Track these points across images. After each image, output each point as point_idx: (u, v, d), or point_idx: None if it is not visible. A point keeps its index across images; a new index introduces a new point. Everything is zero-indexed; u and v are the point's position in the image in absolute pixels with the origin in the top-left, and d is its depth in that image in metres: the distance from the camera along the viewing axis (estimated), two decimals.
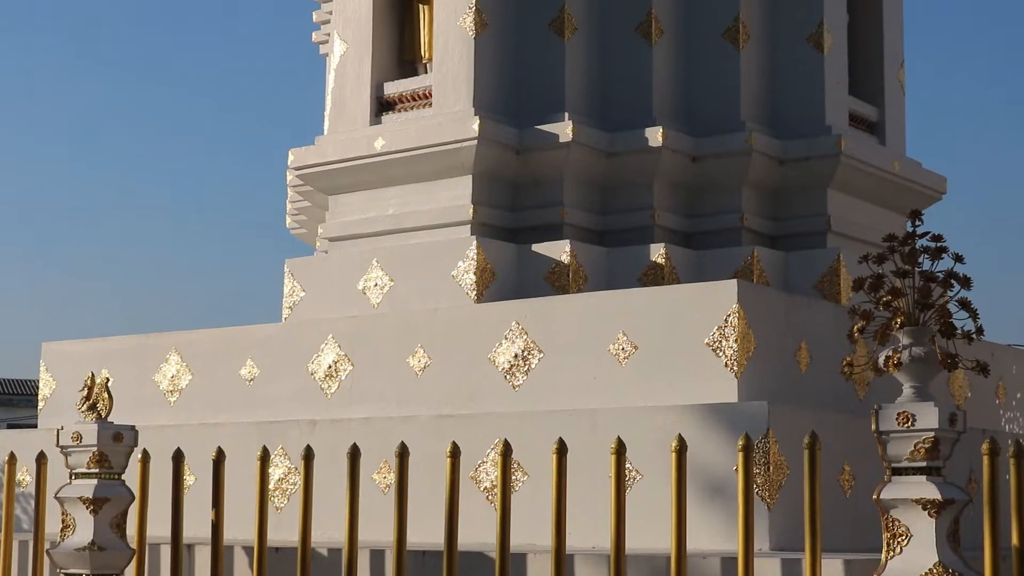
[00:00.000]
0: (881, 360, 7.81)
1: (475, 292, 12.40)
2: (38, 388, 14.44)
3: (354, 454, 8.82)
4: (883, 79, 14.56)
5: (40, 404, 14.29)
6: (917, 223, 8.12)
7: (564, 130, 12.90)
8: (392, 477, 10.82)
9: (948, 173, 14.74)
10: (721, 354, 10.52)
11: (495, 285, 12.53)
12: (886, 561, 7.49)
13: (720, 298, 10.65)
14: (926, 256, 8.00)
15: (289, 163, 14.17)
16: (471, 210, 12.86)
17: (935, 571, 7.30)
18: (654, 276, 12.65)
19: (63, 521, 9.65)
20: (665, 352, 10.82)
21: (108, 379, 10.08)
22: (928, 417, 7.43)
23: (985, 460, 7.33)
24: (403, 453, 8.65)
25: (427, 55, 13.81)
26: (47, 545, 9.92)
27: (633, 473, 9.91)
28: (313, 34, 17.63)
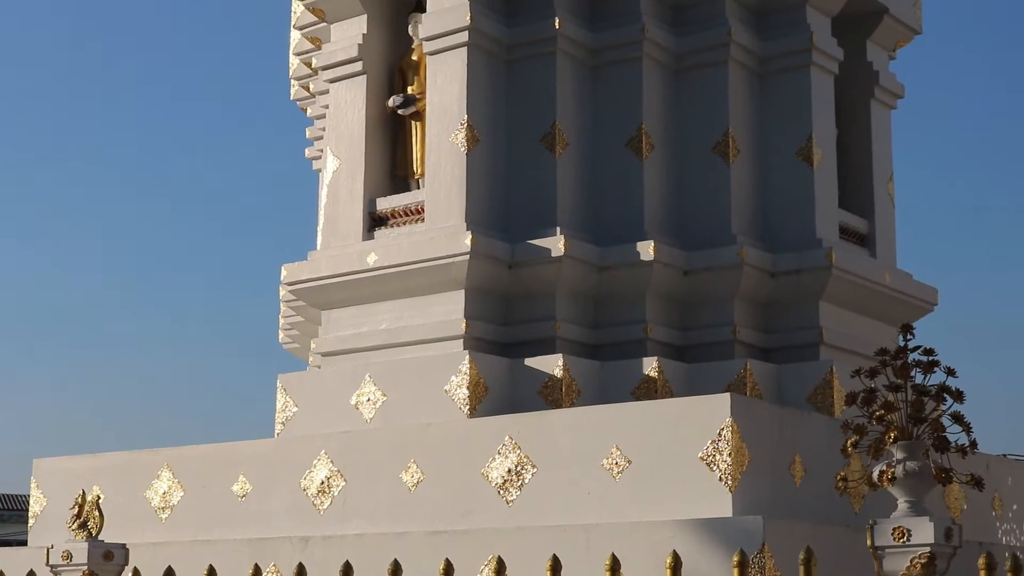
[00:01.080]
0: (875, 475, 7.80)
1: (468, 407, 12.38)
2: (29, 504, 14.36)
3: (347, 571, 8.75)
4: (872, 192, 14.68)
5: (31, 521, 14.20)
6: (909, 337, 8.15)
7: (556, 244, 12.96)
8: None
9: (939, 283, 14.82)
10: (715, 468, 10.49)
11: (488, 399, 12.52)
12: None
13: (713, 412, 10.63)
14: (918, 370, 8.02)
15: (282, 278, 14.21)
16: (464, 324, 12.87)
17: None
18: (647, 390, 12.64)
19: None
20: (659, 466, 10.79)
21: (99, 497, 10.04)
22: (924, 532, 7.41)
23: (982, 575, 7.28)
24: (396, 571, 8.59)
25: (419, 171, 13.91)
26: None
27: None
28: (306, 150, 17.77)
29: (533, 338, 13.10)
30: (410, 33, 14.16)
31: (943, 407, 7.92)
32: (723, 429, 10.51)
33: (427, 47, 13.70)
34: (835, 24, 14.40)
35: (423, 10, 13.92)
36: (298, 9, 15.03)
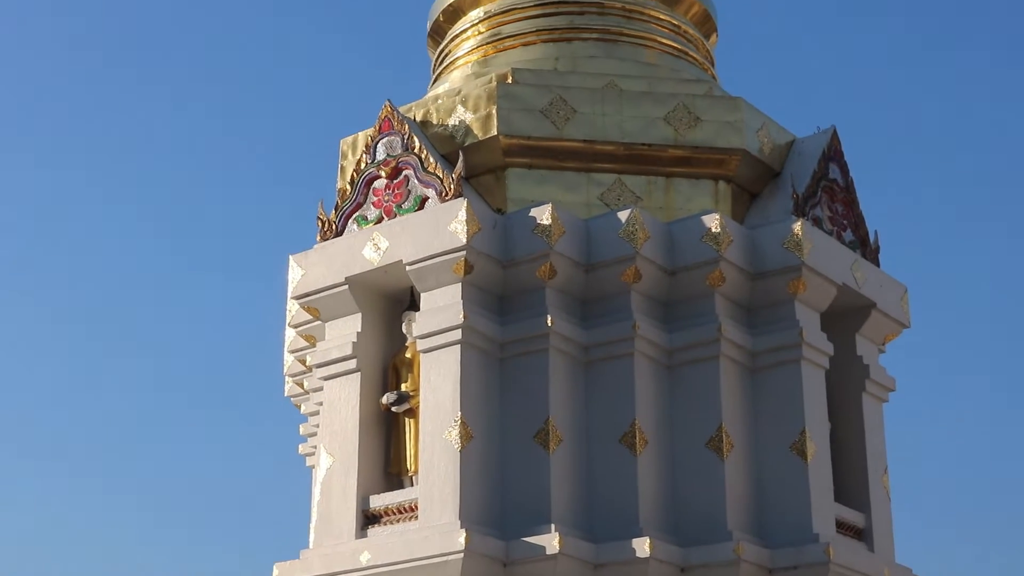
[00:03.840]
0: None
1: None
2: None
3: None
4: (868, 485, 14.62)
5: None
6: None
7: (551, 542, 12.85)
8: None
9: None
10: None
11: None
12: None
13: None
14: None
15: None
16: None
17: None
18: None
19: None
20: None
21: None
22: None
23: None
24: None
25: (413, 467, 13.87)
26: None
27: None
28: (299, 446, 17.71)
29: None
30: (404, 331, 14.30)
31: None
32: None
33: (421, 345, 13.82)
34: (824, 318, 14.55)
35: (416, 308, 14.09)
36: (293, 308, 15.20)
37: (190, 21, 38.83)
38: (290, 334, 15.76)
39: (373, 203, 14.71)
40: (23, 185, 38.40)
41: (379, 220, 14.53)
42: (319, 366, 14.40)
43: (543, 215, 13.93)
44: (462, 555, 12.70)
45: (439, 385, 13.59)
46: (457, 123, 14.93)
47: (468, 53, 16.32)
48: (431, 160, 14.43)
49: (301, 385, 16.01)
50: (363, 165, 14.86)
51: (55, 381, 36.12)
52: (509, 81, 15.05)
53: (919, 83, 37.87)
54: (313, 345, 14.96)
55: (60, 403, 36.21)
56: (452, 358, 13.59)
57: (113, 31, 38.81)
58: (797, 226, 14.19)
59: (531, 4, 16.24)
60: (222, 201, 38.45)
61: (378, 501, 13.81)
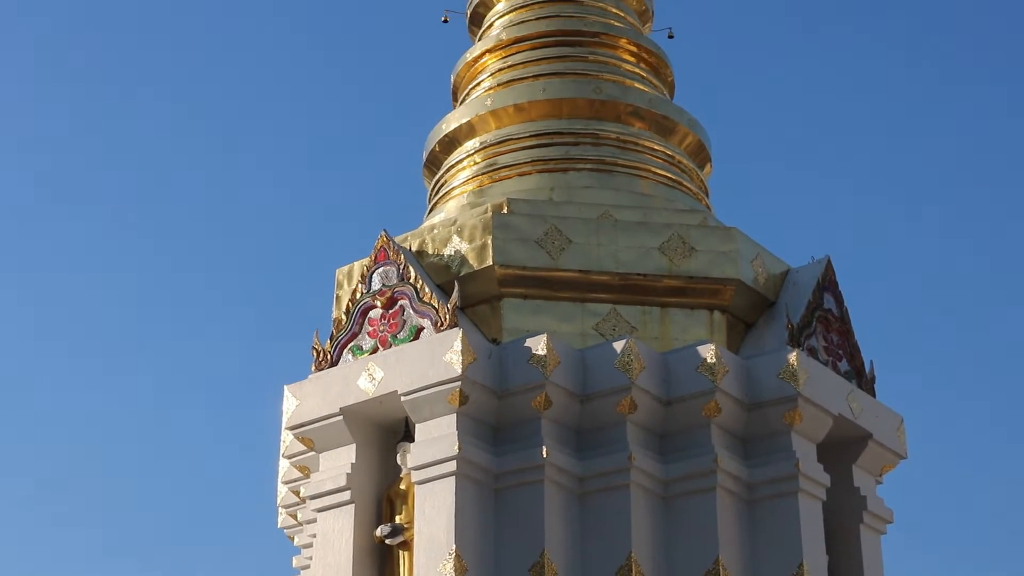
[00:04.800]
0: None
1: None
2: None
3: None
4: None
5: None
6: None
7: None
8: None
9: None
10: None
11: None
12: None
13: None
14: None
15: None
16: None
17: None
18: None
19: None
20: None
21: None
22: None
23: None
24: None
25: None
26: None
27: None
28: None
29: None
30: (398, 462, 14.23)
31: None
32: None
33: (415, 476, 13.74)
34: (821, 449, 14.48)
35: (411, 439, 14.03)
36: (287, 438, 15.13)
37: (185, 156, 39.01)
38: (284, 465, 15.67)
39: (368, 333, 14.70)
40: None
41: (374, 350, 14.53)
42: (313, 497, 14.30)
43: (538, 345, 13.93)
44: None
45: (433, 517, 13.49)
46: (453, 253, 14.98)
47: (464, 183, 16.42)
48: (426, 290, 14.46)
49: (295, 517, 15.88)
50: (358, 295, 14.88)
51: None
52: (504, 211, 15.12)
53: (913, 212, 38.09)
54: (307, 476, 14.87)
55: None
56: (447, 490, 13.51)
57: (79, 175, 38.70)
58: (792, 356, 14.18)
59: (527, 135, 16.37)
60: (217, 330, 38.43)
61: None
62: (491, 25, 17.76)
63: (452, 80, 17.81)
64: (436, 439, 13.68)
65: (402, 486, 14.15)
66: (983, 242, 37.31)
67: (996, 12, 38.14)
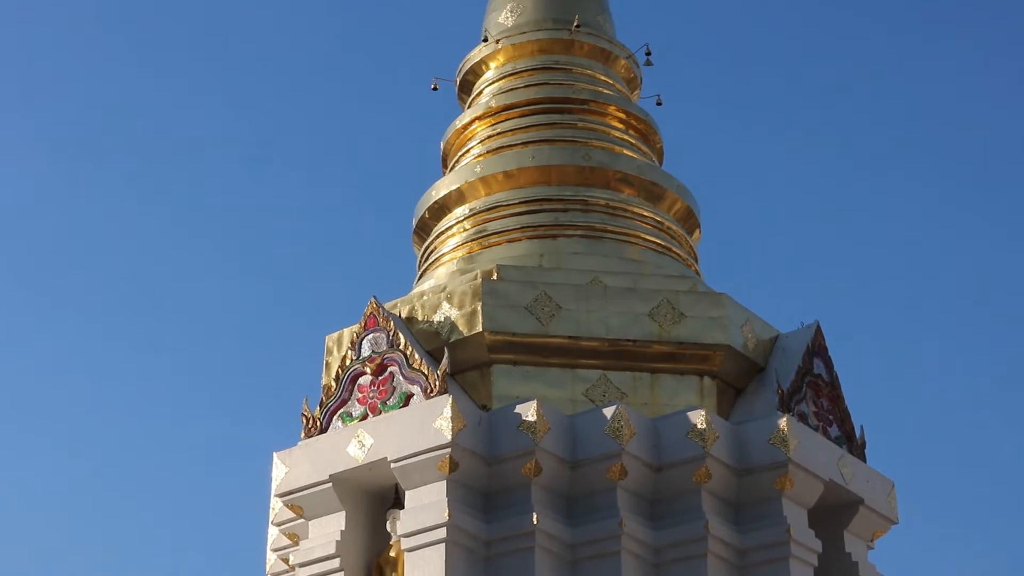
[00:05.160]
0: None
1: None
2: None
3: None
4: None
5: None
6: None
7: None
8: None
9: None
10: None
11: None
12: None
13: None
14: None
15: None
16: None
17: None
18: None
19: None
20: None
21: None
22: None
23: None
24: None
25: None
26: None
27: None
28: None
29: None
30: (388, 529, 14.17)
31: None
32: None
33: (405, 543, 13.69)
34: (812, 515, 14.45)
35: (401, 506, 13.99)
36: (276, 506, 15.08)
37: (182, 225, 38.99)
38: (273, 532, 15.60)
39: (358, 400, 14.69)
40: None
41: (364, 417, 14.51)
42: (302, 565, 14.23)
43: (528, 412, 13.92)
44: None
45: None
46: (442, 319, 14.99)
47: (453, 249, 16.45)
48: (416, 357, 14.46)
49: None
50: (348, 361, 14.88)
51: None
52: (494, 277, 15.15)
53: (901, 277, 38.20)
54: (296, 544, 14.79)
55: None
56: (437, 557, 13.45)
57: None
58: (783, 422, 14.19)
59: (516, 201, 16.43)
60: (206, 397, 38.36)
61: None
62: (480, 93, 17.86)
63: (442, 147, 17.89)
64: (426, 506, 13.64)
65: (392, 553, 14.09)
66: (976, 304, 37.37)
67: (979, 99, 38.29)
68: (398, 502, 14.15)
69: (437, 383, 14.14)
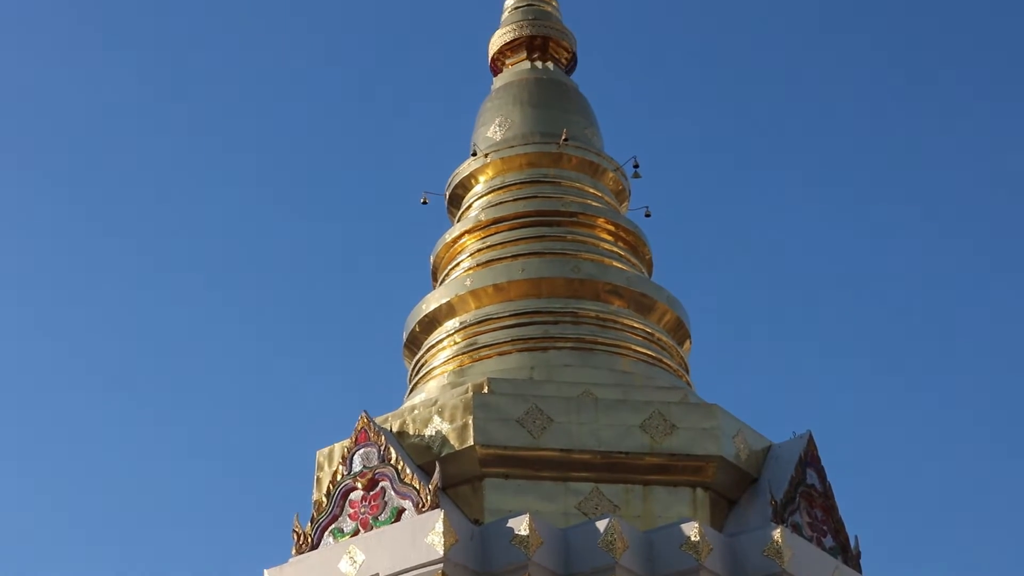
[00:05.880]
0: None
1: None
2: None
3: None
4: None
5: None
6: None
7: None
8: None
9: None
10: None
11: None
12: None
13: None
14: None
15: None
16: None
17: None
18: None
19: None
20: None
21: None
22: None
23: None
24: None
25: None
26: None
27: None
28: None
29: None
30: None
31: None
32: None
33: None
34: None
35: None
36: None
37: (181, 331, 38.94)
38: None
39: (349, 515, 14.60)
40: None
41: (355, 532, 14.41)
42: None
43: (521, 526, 13.84)
44: None
45: None
46: (434, 433, 14.94)
47: (444, 363, 16.44)
48: (408, 471, 14.40)
49: None
50: (339, 477, 14.80)
51: None
52: (485, 391, 15.13)
53: (895, 384, 38.19)
54: None
55: None
56: None
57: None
58: (777, 533, 14.11)
59: (506, 314, 16.45)
60: (198, 514, 38.06)
61: None
62: (469, 206, 17.95)
63: (431, 260, 17.94)
64: None
65: None
66: (968, 409, 37.30)
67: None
68: None
69: (429, 498, 14.06)
